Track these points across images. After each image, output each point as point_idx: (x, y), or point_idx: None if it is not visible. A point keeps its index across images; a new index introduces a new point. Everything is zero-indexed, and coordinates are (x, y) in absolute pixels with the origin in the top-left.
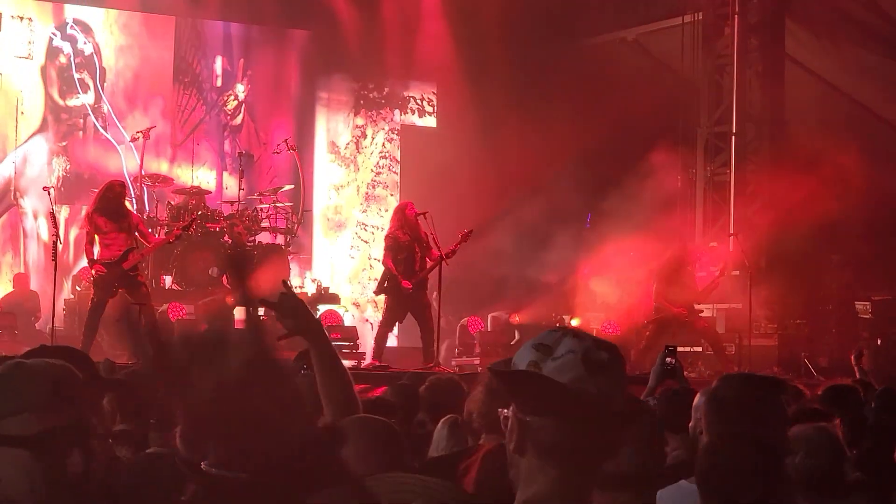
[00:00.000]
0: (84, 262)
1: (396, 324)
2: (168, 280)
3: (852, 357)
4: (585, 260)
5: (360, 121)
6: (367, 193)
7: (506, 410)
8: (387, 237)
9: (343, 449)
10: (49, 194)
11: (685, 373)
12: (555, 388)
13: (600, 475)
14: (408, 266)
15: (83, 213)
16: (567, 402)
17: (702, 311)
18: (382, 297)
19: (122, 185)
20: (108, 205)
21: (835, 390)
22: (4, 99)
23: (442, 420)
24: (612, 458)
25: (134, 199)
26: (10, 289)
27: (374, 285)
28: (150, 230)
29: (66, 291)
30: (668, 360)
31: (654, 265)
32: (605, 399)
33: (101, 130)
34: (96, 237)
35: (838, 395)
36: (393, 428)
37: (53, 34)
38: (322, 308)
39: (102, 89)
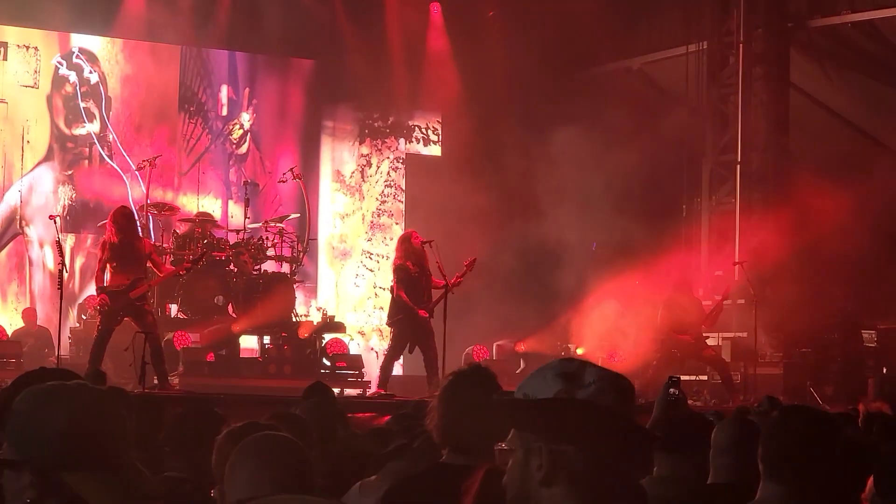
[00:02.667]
0: (90, 291)
1: (403, 354)
2: (174, 308)
3: None
4: (591, 289)
5: (365, 150)
6: (371, 222)
7: (503, 444)
8: (397, 268)
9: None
10: (55, 223)
11: (691, 401)
12: (602, 412)
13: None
14: (418, 295)
15: (89, 242)
16: (614, 425)
17: (708, 338)
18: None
19: (130, 210)
20: (123, 232)
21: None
22: (10, 128)
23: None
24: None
25: (140, 228)
26: (16, 318)
27: (379, 314)
28: (161, 258)
29: (72, 320)
30: (672, 391)
31: (659, 294)
32: (635, 423)
33: (107, 159)
34: (108, 265)
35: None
36: (295, 446)
37: (59, 63)
38: (327, 336)
39: (108, 118)
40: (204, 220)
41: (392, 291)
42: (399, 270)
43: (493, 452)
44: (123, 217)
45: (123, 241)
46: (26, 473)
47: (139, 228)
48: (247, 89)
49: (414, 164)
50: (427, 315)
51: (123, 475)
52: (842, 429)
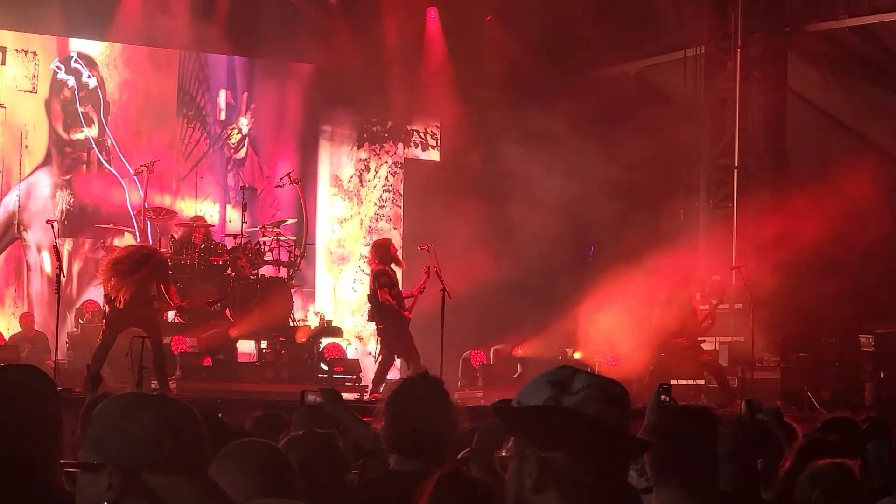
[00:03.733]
0: (88, 296)
1: (396, 358)
2: (171, 313)
3: None
4: (588, 293)
5: (363, 154)
6: (370, 227)
7: (503, 451)
8: (378, 272)
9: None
10: (53, 228)
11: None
12: (585, 420)
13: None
14: (400, 299)
15: (86, 246)
16: (597, 433)
17: (704, 342)
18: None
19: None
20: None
21: (833, 423)
22: (9, 132)
23: None
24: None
25: (138, 234)
26: (14, 322)
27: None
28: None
29: (70, 325)
30: (663, 398)
31: (655, 298)
32: (623, 431)
33: (105, 164)
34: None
35: (836, 427)
36: (275, 451)
37: (57, 68)
38: (325, 341)
39: (106, 123)
40: (198, 224)
41: (374, 298)
42: (381, 275)
43: (441, 455)
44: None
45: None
46: (105, 476)
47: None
48: (245, 94)
49: (412, 168)
50: (409, 316)
51: (202, 479)
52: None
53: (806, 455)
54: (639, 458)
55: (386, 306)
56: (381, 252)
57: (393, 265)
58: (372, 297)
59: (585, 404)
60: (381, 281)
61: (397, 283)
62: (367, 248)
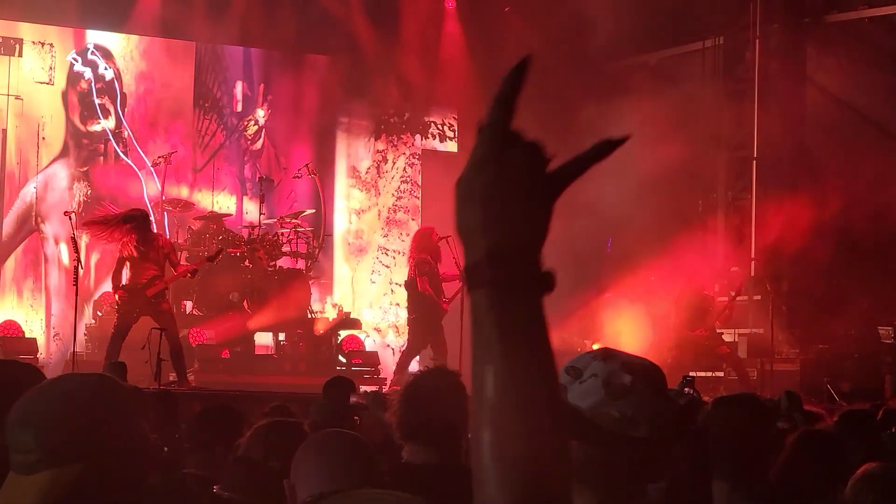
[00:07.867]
0: (105, 288)
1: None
2: (189, 305)
3: None
4: (607, 285)
5: (380, 146)
6: (388, 218)
7: None
8: (420, 262)
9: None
10: (70, 219)
11: (707, 398)
12: (572, 413)
13: (641, 499)
14: (438, 290)
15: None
16: (584, 427)
17: (723, 334)
18: (404, 322)
19: (145, 211)
20: (142, 232)
21: (850, 415)
22: (26, 124)
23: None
24: (652, 482)
25: (154, 225)
26: (32, 314)
27: (395, 310)
28: (177, 256)
29: (87, 317)
30: (686, 390)
31: (673, 292)
32: (627, 423)
33: (122, 156)
34: (127, 264)
35: (854, 419)
36: (361, 442)
37: (74, 59)
38: (343, 333)
39: (123, 115)
40: (216, 215)
41: (412, 286)
42: (422, 264)
43: (455, 447)
44: (141, 217)
45: (144, 239)
46: None
47: (154, 226)
48: (262, 85)
49: (430, 160)
50: (447, 308)
51: None
52: (774, 420)
53: (799, 449)
54: (649, 452)
55: (425, 296)
56: (423, 240)
57: (433, 254)
58: (409, 285)
59: (584, 395)
60: (422, 270)
61: (437, 274)
62: (386, 240)
